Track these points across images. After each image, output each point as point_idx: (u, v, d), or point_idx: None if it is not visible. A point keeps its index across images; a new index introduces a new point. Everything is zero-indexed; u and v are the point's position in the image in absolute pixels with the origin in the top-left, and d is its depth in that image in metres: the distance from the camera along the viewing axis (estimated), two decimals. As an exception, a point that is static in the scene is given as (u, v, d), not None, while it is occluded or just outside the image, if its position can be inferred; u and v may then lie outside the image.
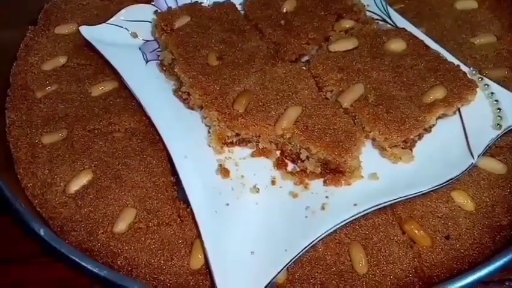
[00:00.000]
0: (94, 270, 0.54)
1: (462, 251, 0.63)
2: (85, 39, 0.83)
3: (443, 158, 0.69)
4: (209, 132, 0.72)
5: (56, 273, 0.67)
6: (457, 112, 0.73)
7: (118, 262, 0.62)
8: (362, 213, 0.63)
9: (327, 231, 0.62)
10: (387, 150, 0.68)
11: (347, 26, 0.82)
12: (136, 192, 0.68)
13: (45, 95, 0.79)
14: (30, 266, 0.68)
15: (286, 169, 0.69)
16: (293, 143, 0.68)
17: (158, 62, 0.80)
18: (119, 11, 0.86)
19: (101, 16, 0.88)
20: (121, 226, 0.64)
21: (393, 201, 0.64)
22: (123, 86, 0.78)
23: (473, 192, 0.68)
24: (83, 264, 0.54)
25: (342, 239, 0.64)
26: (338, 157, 0.64)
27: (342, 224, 0.62)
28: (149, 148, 0.72)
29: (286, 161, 0.69)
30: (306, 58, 0.80)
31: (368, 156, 0.69)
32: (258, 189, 0.67)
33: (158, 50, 0.82)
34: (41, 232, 0.57)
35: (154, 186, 0.68)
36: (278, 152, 0.70)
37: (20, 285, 0.67)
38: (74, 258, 0.54)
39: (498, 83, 0.76)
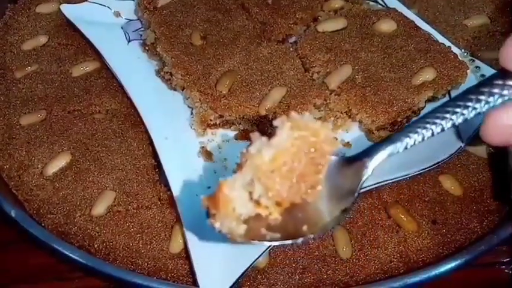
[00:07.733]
0: (66, 252, 0.52)
1: (449, 236, 0.62)
2: (66, 18, 0.80)
3: (431, 141, 0.65)
4: (192, 114, 0.69)
5: (36, 259, 0.65)
6: (447, 94, 0.70)
7: (95, 245, 0.60)
8: (347, 197, 0.61)
9: (310, 215, 0.60)
10: (374, 133, 0.66)
11: (337, 5, 0.79)
12: (116, 174, 0.66)
13: (25, 75, 0.77)
14: (10, 253, 0.66)
15: None
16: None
17: (141, 41, 0.78)
18: (103, -11, 0.82)
19: (85, -5, 0.85)
20: (99, 209, 0.62)
21: (379, 185, 0.62)
22: (105, 66, 0.76)
23: (462, 177, 0.66)
24: (55, 246, 0.52)
25: (326, 223, 0.62)
26: None
27: (325, 207, 0.61)
28: (131, 130, 0.70)
29: None
30: (293, 39, 0.78)
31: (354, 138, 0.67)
32: (241, 172, 0.66)
33: (141, 29, 0.79)
34: (12, 213, 0.55)
35: (135, 168, 0.66)
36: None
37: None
38: (44, 240, 0.52)
39: (490, 65, 0.73)
